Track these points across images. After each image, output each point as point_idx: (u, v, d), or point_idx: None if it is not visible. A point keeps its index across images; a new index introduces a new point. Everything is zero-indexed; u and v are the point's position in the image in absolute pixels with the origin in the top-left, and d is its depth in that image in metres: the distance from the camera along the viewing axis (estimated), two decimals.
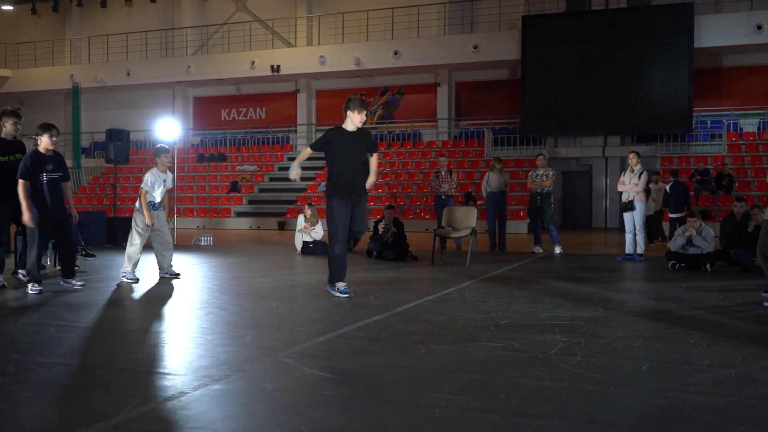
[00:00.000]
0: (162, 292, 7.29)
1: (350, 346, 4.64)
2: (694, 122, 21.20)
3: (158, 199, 8.18)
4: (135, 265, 8.06)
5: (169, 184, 8.42)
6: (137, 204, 8.16)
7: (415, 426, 3.08)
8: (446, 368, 4.02)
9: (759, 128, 21.56)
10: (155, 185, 8.13)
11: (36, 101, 29.33)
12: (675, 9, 20.83)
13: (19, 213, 6.86)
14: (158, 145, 8.62)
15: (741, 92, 21.83)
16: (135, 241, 8.05)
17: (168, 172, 8.37)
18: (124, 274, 7.97)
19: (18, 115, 7.56)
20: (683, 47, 20.52)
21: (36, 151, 6.95)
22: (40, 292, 6.82)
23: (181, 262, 10.58)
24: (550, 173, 12.27)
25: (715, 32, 20.54)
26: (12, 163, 7.25)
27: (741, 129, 21.75)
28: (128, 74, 27.15)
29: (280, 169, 25.23)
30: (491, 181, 12.94)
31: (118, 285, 7.67)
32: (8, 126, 7.35)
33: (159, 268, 8.33)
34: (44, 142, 6.96)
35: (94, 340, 4.84)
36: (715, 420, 3.13)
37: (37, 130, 6.99)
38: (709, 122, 22.04)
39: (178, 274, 8.30)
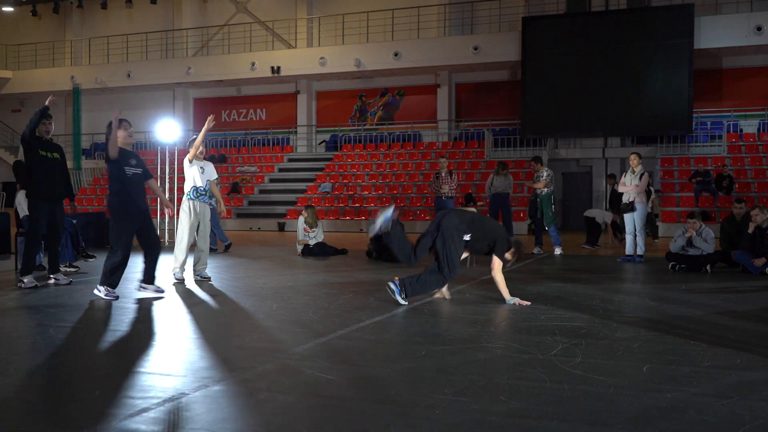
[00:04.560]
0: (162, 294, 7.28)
1: (350, 348, 4.64)
2: (694, 123, 21.21)
3: (199, 183, 8.01)
4: (183, 265, 8.01)
5: (210, 175, 8.26)
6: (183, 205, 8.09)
7: (416, 427, 3.08)
8: (446, 369, 4.02)
9: (759, 129, 21.55)
10: (192, 167, 8.03)
11: (36, 102, 29.18)
12: (675, 10, 20.83)
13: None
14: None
15: (741, 93, 21.83)
16: (180, 240, 8.01)
17: (207, 161, 8.30)
18: (174, 272, 8.03)
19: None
20: (683, 48, 20.53)
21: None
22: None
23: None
24: (544, 174, 12.27)
25: (715, 33, 20.54)
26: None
27: (741, 130, 21.74)
28: (129, 76, 27.16)
29: (280, 170, 25.24)
30: (496, 183, 12.94)
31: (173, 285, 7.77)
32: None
33: (194, 269, 8.20)
34: (121, 136, 6.69)
35: (94, 341, 4.84)
36: (715, 421, 3.14)
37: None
38: (709, 123, 22.03)
39: (181, 281, 8.10)
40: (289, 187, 23.95)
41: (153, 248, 6.86)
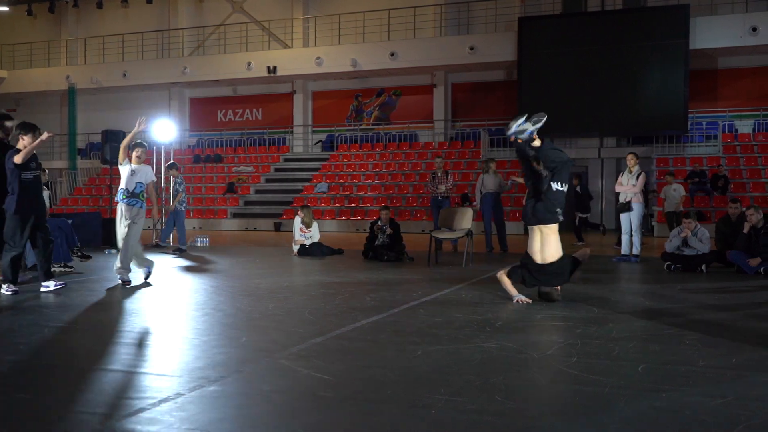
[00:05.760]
0: (157, 293, 7.28)
1: (346, 348, 4.63)
2: (689, 123, 21.25)
3: (127, 186, 7.89)
4: (126, 267, 7.85)
5: (145, 178, 8.06)
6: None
7: (412, 427, 3.08)
8: (442, 369, 4.02)
9: (754, 129, 21.61)
10: (123, 168, 7.93)
11: (32, 102, 29.25)
12: (670, 11, 20.87)
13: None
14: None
15: (736, 94, 21.88)
16: (119, 242, 7.91)
17: (143, 165, 8.11)
18: (118, 275, 7.82)
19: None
20: (679, 49, 20.56)
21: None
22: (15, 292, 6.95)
23: (177, 263, 10.58)
24: None
25: (711, 34, 20.58)
26: None
27: (736, 130, 21.79)
28: (124, 75, 27.09)
29: (277, 170, 25.22)
30: (486, 182, 12.94)
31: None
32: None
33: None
34: (26, 141, 7.05)
35: (89, 341, 4.83)
36: (711, 421, 3.14)
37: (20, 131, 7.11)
38: (704, 123, 22.08)
39: (126, 282, 7.83)
40: (286, 187, 23.94)
41: (45, 246, 7.22)
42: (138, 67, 27.23)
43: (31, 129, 7.07)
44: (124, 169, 7.95)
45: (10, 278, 7.00)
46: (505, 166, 20.75)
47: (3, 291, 6.94)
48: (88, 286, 7.69)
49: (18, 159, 6.88)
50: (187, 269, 9.76)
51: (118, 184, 8.12)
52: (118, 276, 7.82)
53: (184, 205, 13.27)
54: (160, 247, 12.46)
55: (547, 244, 6.48)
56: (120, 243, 7.89)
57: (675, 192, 15.33)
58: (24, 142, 7.04)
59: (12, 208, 6.92)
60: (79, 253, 10.61)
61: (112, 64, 27.76)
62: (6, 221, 7.02)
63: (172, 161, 13.98)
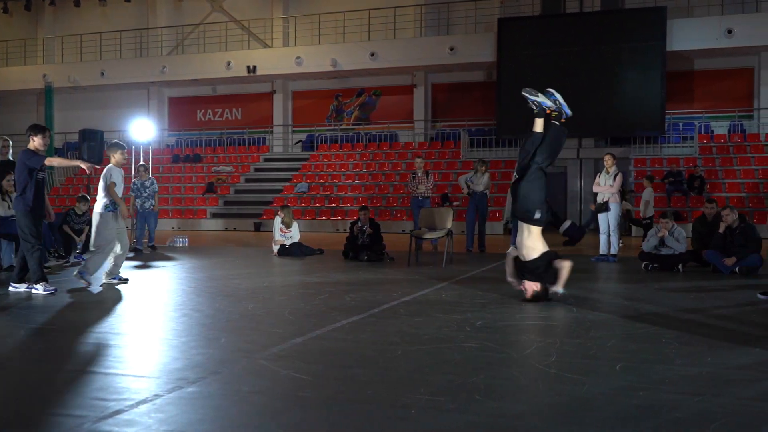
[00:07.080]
0: (135, 294, 7.22)
1: (326, 348, 4.63)
2: (666, 124, 21.48)
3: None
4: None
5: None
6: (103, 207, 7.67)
7: (392, 427, 3.08)
8: (422, 369, 4.03)
9: (729, 130, 21.88)
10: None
11: (8, 101, 28.86)
12: (648, 13, 21.08)
13: None
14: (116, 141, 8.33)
15: (712, 95, 22.15)
16: (107, 246, 7.68)
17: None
18: (103, 280, 7.73)
19: None
20: (656, 51, 20.77)
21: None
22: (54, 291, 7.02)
23: (156, 263, 10.50)
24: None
25: (687, 36, 20.83)
26: None
27: (712, 131, 22.06)
28: (102, 74, 26.82)
29: (256, 170, 25.12)
30: (475, 181, 12.95)
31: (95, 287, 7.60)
32: None
33: (109, 273, 7.82)
34: (36, 142, 7.16)
35: (67, 343, 4.78)
36: (687, 418, 3.18)
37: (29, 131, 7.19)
38: (681, 124, 22.33)
39: (126, 279, 7.91)
40: (265, 187, 23.83)
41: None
42: (116, 66, 26.98)
43: (41, 130, 7.18)
44: (118, 175, 7.77)
45: (44, 278, 7.10)
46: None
47: (40, 291, 6.95)
48: (64, 286, 7.60)
49: (48, 162, 7.15)
50: (166, 270, 9.69)
51: (96, 183, 8.02)
52: (105, 279, 7.70)
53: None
54: (137, 251, 12.37)
55: (529, 240, 6.59)
56: (103, 248, 7.60)
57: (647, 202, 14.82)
58: (34, 143, 7.11)
59: (29, 205, 6.98)
60: (56, 254, 10.49)
61: (89, 62, 27.47)
62: (20, 222, 7.02)
63: (142, 162, 13.80)
